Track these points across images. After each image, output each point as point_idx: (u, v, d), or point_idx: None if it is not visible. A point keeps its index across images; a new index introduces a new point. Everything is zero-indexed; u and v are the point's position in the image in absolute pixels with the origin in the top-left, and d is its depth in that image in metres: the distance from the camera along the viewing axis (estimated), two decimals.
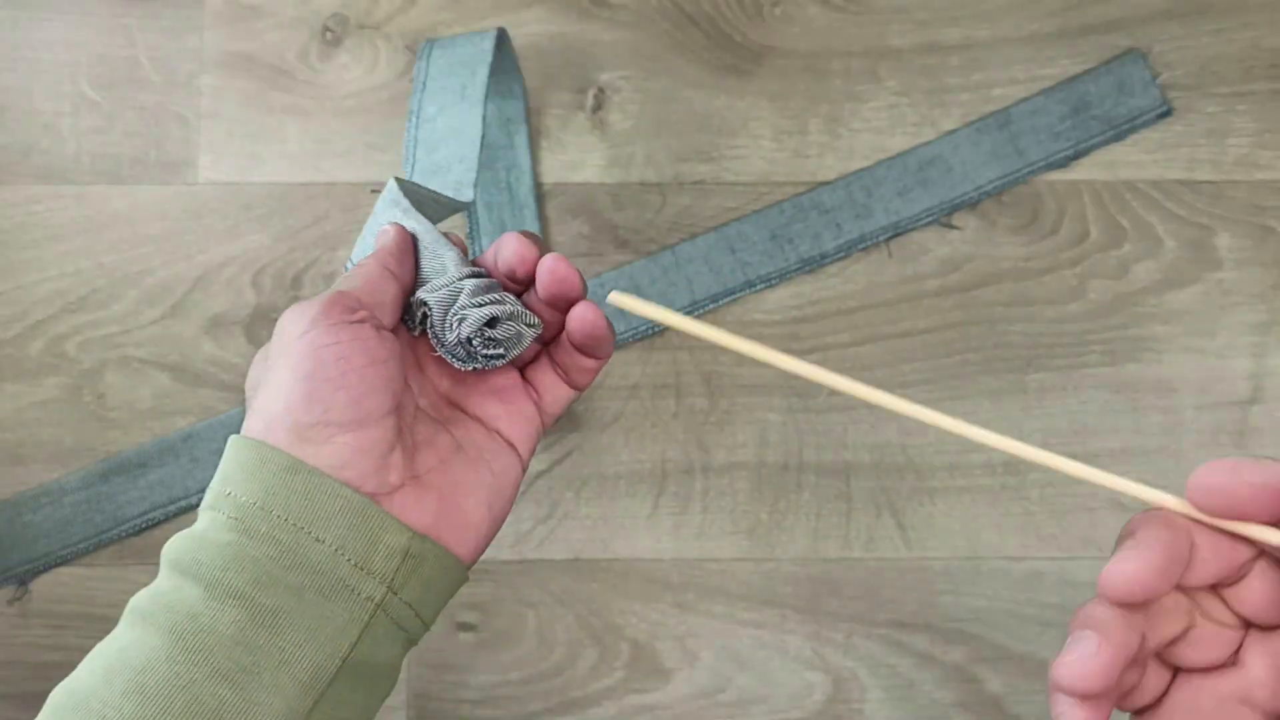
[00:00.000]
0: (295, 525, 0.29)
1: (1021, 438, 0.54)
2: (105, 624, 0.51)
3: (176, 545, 0.30)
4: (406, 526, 0.30)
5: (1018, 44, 0.55)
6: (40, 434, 0.52)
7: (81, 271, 0.53)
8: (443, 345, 0.34)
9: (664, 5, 0.56)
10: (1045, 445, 0.54)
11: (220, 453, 0.51)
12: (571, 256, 0.54)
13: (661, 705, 0.51)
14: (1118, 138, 0.55)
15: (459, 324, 0.33)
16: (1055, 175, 0.55)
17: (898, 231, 0.54)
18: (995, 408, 0.53)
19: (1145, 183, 0.55)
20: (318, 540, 0.29)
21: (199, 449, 0.52)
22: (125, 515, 0.52)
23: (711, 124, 0.55)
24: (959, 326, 0.54)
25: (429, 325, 0.34)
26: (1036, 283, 0.54)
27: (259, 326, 0.53)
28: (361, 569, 0.29)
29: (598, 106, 0.55)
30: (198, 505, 0.51)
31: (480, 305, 0.33)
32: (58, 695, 0.28)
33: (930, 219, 0.54)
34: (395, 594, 0.30)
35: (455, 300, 0.33)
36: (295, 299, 0.53)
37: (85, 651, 0.50)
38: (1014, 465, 0.53)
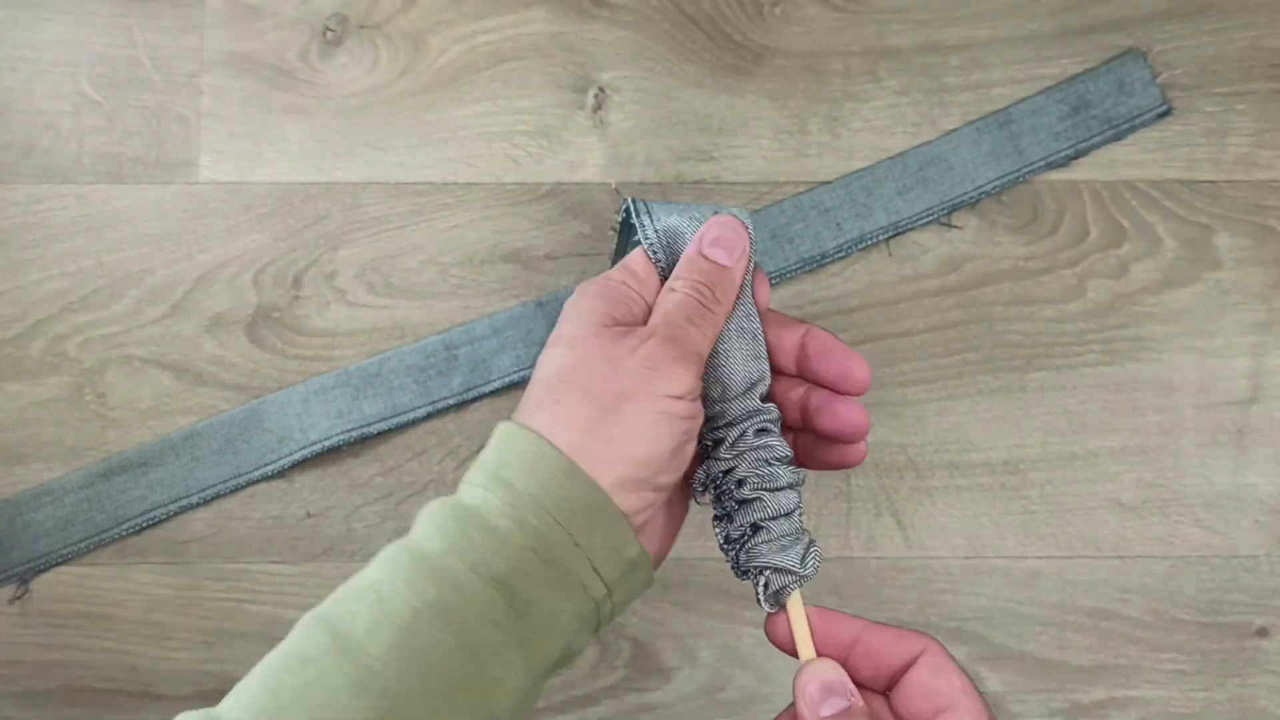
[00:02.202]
0: (562, 526, 0.31)
1: (1021, 437, 0.55)
2: (106, 623, 0.51)
3: (444, 514, 0.32)
4: (637, 540, 0.33)
5: (1018, 44, 0.55)
6: (41, 433, 0.53)
7: (82, 271, 0.54)
8: (707, 488, 0.36)
9: (664, 5, 0.56)
10: (1045, 444, 0.54)
11: (221, 451, 0.52)
12: (571, 256, 0.54)
13: (662, 704, 0.51)
14: (1117, 137, 0.55)
15: (735, 504, 0.35)
16: (1055, 175, 0.55)
17: (898, 231, 0.54)
18: (994, 407, 0.53)
19: (1145, 182, 0.55)
20: (575, 544, 0.31)
21: (200, 448, 0.52)
22: (126, 514, 0.52)
23: (712, 124, 0.55)
24: (958, 326, 0.54)
25: (713, 473, 0.35)
26: (1036, 282, 0.54)
27: (260, 326, 0.53)
28: (596, 572, 0.32)
29: (598, 106, 0.55)
30: (199, 504, 0.52)
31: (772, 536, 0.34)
32: (318, 627, 0.31)
33: (930, 218, 0.54)
34: (610, 595, 0.32)
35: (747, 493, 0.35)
36: (296, 299, 0.53)
37: (86, 650, 0.51)
38: (1013, 465, 0.53)
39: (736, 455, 0.35)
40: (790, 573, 0.34)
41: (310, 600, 0.51)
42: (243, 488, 0.52)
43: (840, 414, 0.35)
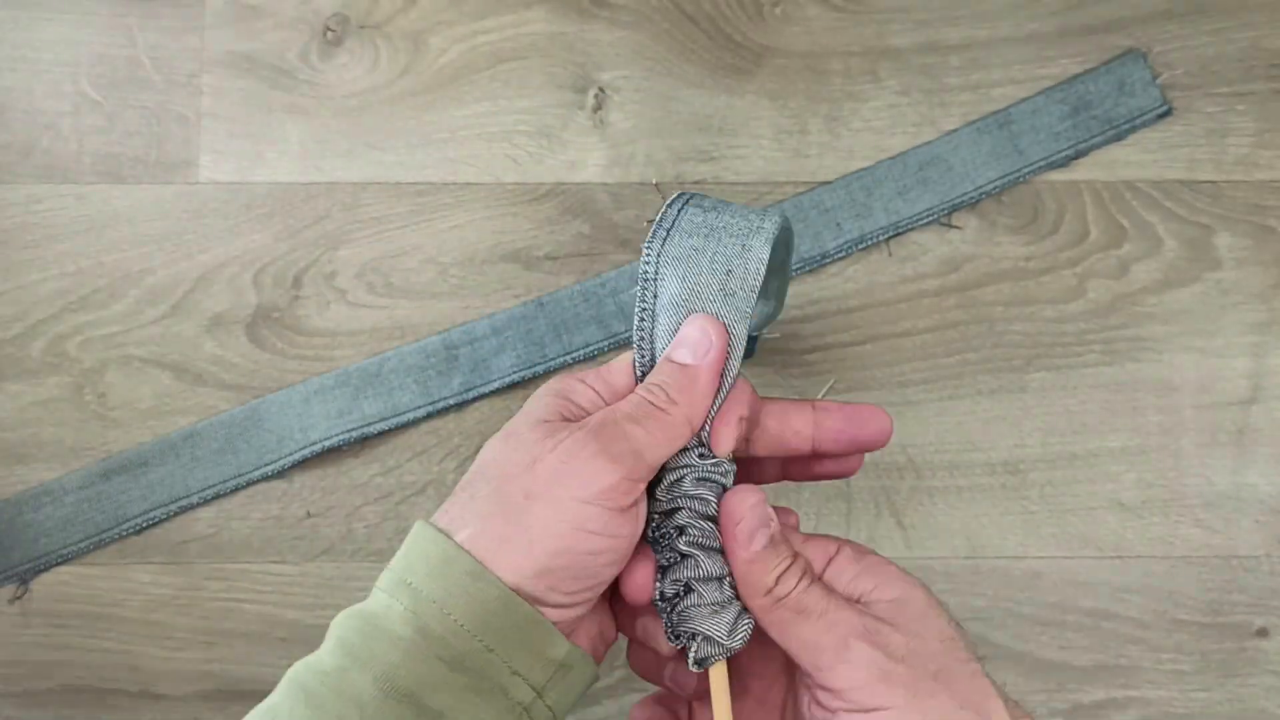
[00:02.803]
0: (470, 632, 0.29)
1: (1021, 437, 0.55)
2: (106, 623, 0.51)
3: (347, 624, 0.30)
4: (565, 639, 0.30)
5: (1018, 44, 0.55)
6: (41, 433, 0.53)
7: (82, 271, 0.54)
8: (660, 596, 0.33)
9: (664, 5, 0.56)
10: (1045, 444, 0.54)
11: (221, 451, 0.52)
12: (571, 256, 0.54)
13: None
14: (1118, 137, 0.55)
15: (677, 614, 0.33)
16: (1055, 175, 0.55)
17: (898, 231, 0.54)
18: (995, 407, 0.53)
19: (1145, 182, 0.55)
20: (488, 650, 0.29)
21: (200, 448, 0.52)
22: (126, 514, 0.52)
23: (712, 124, 0.55)
24: (959, 326, 0.54)
25: (663, 576, 0.33)
26: (1036, 282, 0.54)
27: (260, 326, 0.53)
28: (519, 675, 0.30)
29: (598, 106, 0.55)
30: (199, 504, 0.52)
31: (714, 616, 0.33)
32: None
33: (930, 219, 0.54)
34: (541, 698, 0.30)
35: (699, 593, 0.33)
36: (296, 299, 0.53)
37: (86, 650, 0.51)
38: (1013, 465, 0.53)
39: (672, 499, 0.33)
40: (717, 643, 0.32)
41: (310, 600, 0.52)
42: (243, 488, 0.52)
43: (838, 463, 0.35)
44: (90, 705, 0.51)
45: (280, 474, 0.52)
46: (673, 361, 0.33)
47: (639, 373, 0.34)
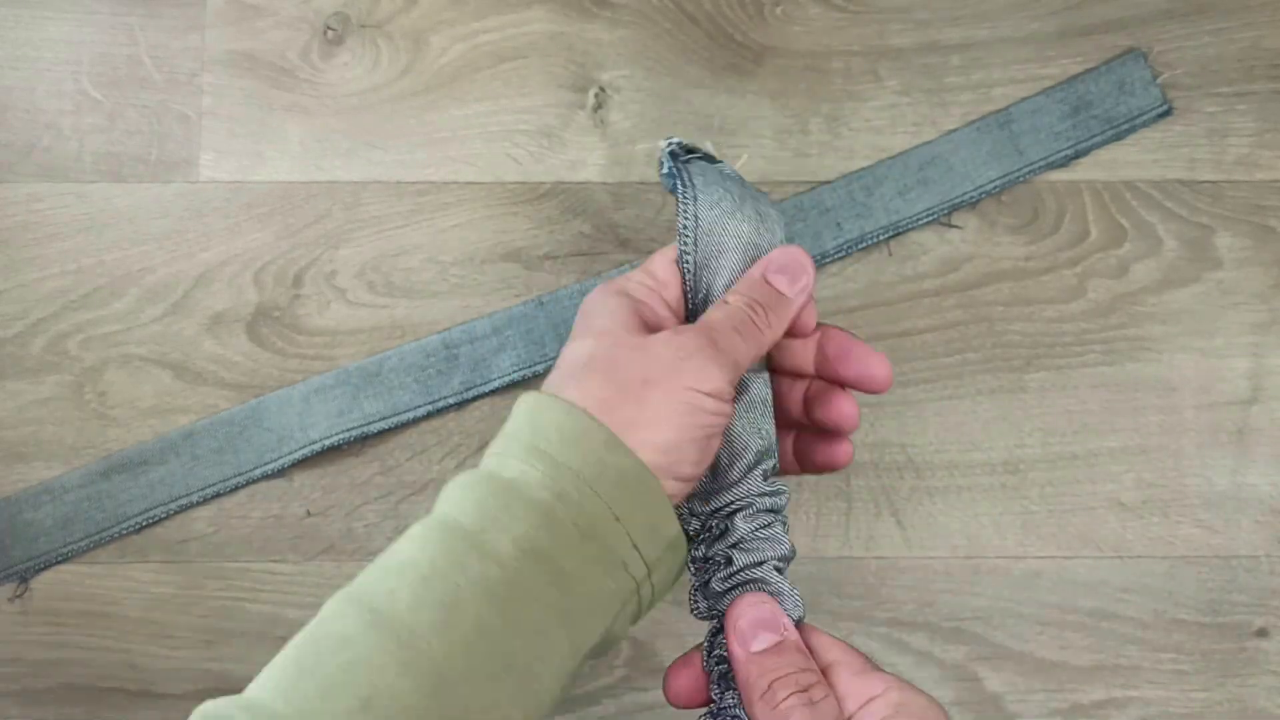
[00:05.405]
0: (604, 501, 0.30)
1: (1021, 437, 0.55)
2: (106, 621, 0.51)
3: (482, 489, 0.30)
4: (676, 519, 0.32)
5: (1018, 44, 0.55)
6: (41, 432, 0.53)
7: (83, 270, 0.54)
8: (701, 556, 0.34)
9: (665, 5, 0.56)
10: (1045, 444, 0.54)
11: (221, 450, 0.52)
12: (571, 256, 0.54)
13: (662, 704, 0.51)
14: (1118, 137, 0.55)
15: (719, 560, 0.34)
16: (1055, 175, 0.55)
17: (898, 231, 0.54)
18: (995, 407, 0.53)
19: (1145, 182, 0.55)
20: (615, 519, 0.30)
21: (200, 447, 0.52)
22: (126, 513, 0.52)
23: (712, 123, 0.55)
24: (959, 326, 0.54)
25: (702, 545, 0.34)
26: (1036, 282, 0.54)
27: (260, 325, 0.53)
28: (637, 550, 0.31)
29: (599, 106, 0.55)
30: (199, 503, 0.52)
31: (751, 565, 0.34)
32: (353, 607, 0.29)
33: (930, 218, 0.54)
34: (650, 576, 0.31)
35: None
36: (296, 298, 0.53)
37: (86, 649, 0.51)
38: (1013, 465, 0.53)
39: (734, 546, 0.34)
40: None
41: (310, 599, 0.52)
42: (243, 487, 0.52)
43: (835, 405, 0.35)
44: (90, 704, 0.51)
45: (280, 473, 0.52)
46: (772, 286, 0.34)
47: (685, 273, 0.35)
